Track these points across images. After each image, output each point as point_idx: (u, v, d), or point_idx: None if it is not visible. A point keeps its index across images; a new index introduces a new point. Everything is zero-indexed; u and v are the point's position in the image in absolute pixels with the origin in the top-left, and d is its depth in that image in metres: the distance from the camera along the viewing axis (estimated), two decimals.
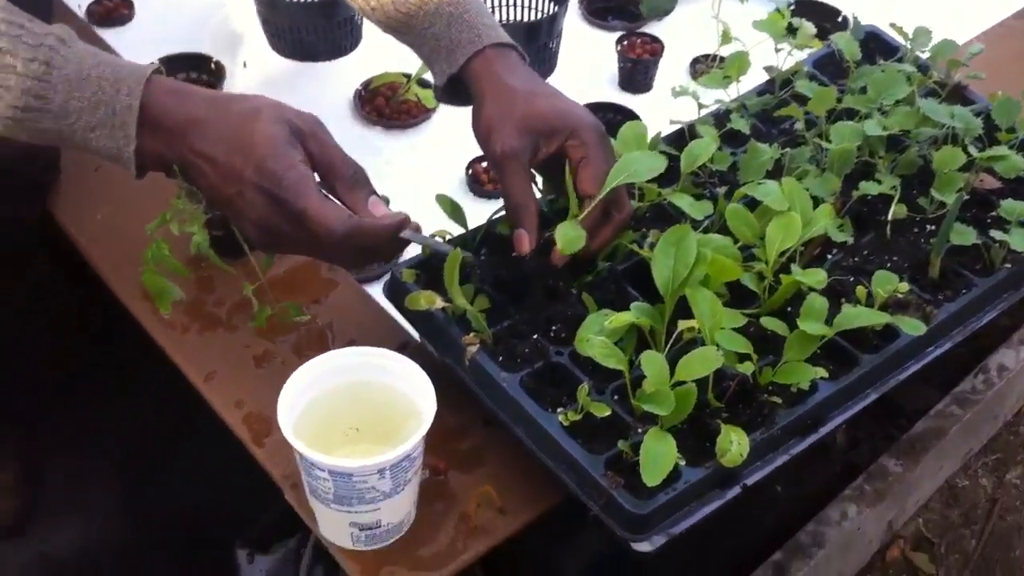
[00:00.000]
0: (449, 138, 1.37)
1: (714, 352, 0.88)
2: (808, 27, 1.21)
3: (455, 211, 1.03)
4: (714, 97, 1.19)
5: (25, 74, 0.82)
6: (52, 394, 1.45)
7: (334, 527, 0.91)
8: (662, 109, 1.43)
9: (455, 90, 1.04)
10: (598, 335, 0.91)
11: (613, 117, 1.43)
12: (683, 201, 1.04)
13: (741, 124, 1.13)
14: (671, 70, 1.49)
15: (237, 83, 1.44)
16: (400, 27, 1.06)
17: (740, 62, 1.17)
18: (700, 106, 1.16)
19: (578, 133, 0.97)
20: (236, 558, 1.15)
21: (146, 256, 1.02)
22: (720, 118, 1.17)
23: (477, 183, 1.31)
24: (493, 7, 1.51)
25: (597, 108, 1.43)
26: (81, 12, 1.52)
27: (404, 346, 1.06)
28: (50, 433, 1.43)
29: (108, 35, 1.49)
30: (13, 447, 1.39)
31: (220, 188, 0.85)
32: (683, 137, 1.16)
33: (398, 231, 0.89)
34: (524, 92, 0.99)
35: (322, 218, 0.84)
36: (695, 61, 1.50)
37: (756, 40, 1.43)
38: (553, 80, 1.48)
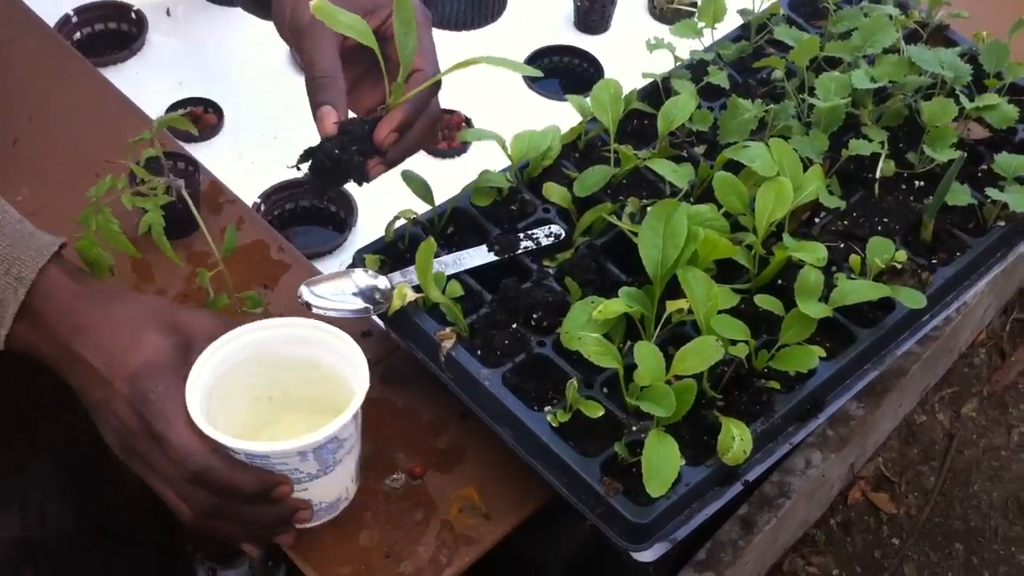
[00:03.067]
0: None
1: (713, 343, 0.82)
2: None
3: (424, 190, 0.95)
4: (688, 48, 1.11)
5: None
6: None
7: None
8: (621, 51, 1.35)
9: None
10: (586, 326, 0.85)
11: (570, 61, 1.35)
12: (664, 167, 0.97)
13: (720, 78, 1.06)
14: (628, 7, 1.40)
15: (161, 33, 1.32)
16: None
17: (715, 8, 1.09)
18: (676, 60, 1.08)
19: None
20: (196, 573, 1.08)
21: (86, 220, 0.89)
22: (695, 69, 1.09)
23: None
24: None
25: (553, 51, 1.34)
26: None
27: (367, 334, 0.99)
28: None
29: None
30: None
31: (88, 391, 0.79)
32: (657, 92, 1.08)
33: (263, 491, 0.78)
34: None
35: (181, 446, 0.76)
36: None
37: None
38: (504, 20, 1.39)
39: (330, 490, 0.83)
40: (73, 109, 1.16)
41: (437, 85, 0.88)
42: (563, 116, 1.21)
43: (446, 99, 1.25)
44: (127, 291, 0.84)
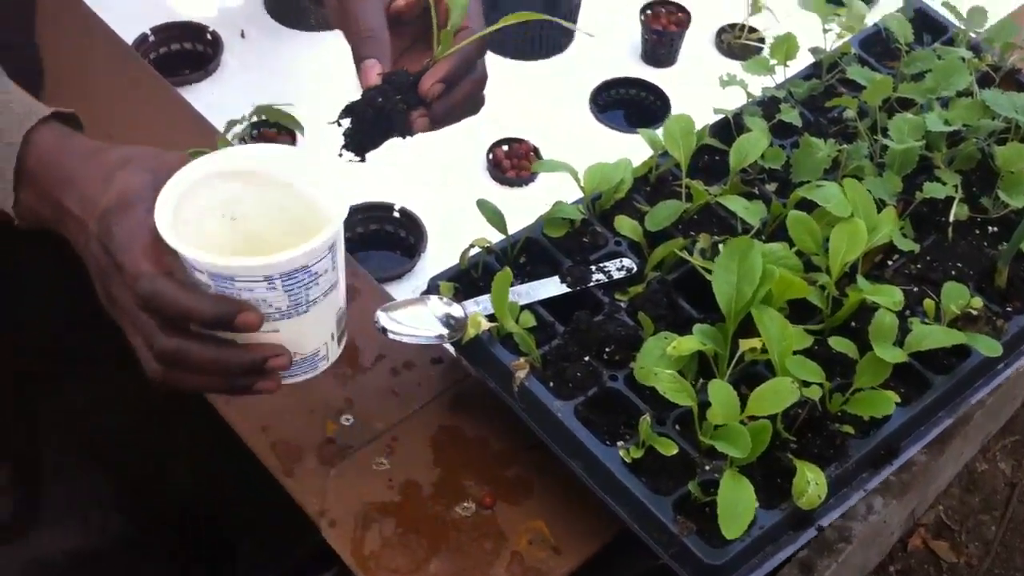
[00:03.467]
0: (468, 120, 1.28)
1: (789, 384, 0.82)
2: (859, 6, 1.13)
3: (498, 219, 0.96)
4: (759, 84, 1.11)
5: None
6: (44, 384, 1.37)
7: None
8: (688, 84, 1.36)
9: None
10: (659, 362, 0.85)
11: (636, 93, 1.35)
12: (736, 204, 0.97)
13: (792, 116, 1.06)
14: (695, 40, 1.41)
15: (235, 54, 1.34)
16: None
17: (787, 46, 1.09)
18: (749, 96, 1.08)
19: None
20: None
21: None
22: (767, 106, 1.10)
23: (498, 169, 1.23)
24: None
25: (620, 84, 1.35)
26: None
27: (438, 361, 0.99)
28: (44, 427, 1.35)
29: (93, 2, 1.37)
30: (5, 442, 1.31)
31: (75, 243, 0.78)
32: (728, 128, 1.08)
33: (223, 315, 0.71)
34: None
35: (133, 268, 0.72)
36: (721, 31, 1.42)
37: (787, 9, 1.36)
38: (571, 51, 1.39)
39: (305, 339, 0.76)
40: (150, 127, 1.19)
41: (484, 46, 0.87)
42: (628, 147, 1.22)
43: (515, 127, 1.27)
44: (113, 144, 0.81)
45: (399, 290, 1.11)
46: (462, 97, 0.87)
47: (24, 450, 1.32)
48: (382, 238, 1.19)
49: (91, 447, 1.35)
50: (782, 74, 1.13)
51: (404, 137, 0.85)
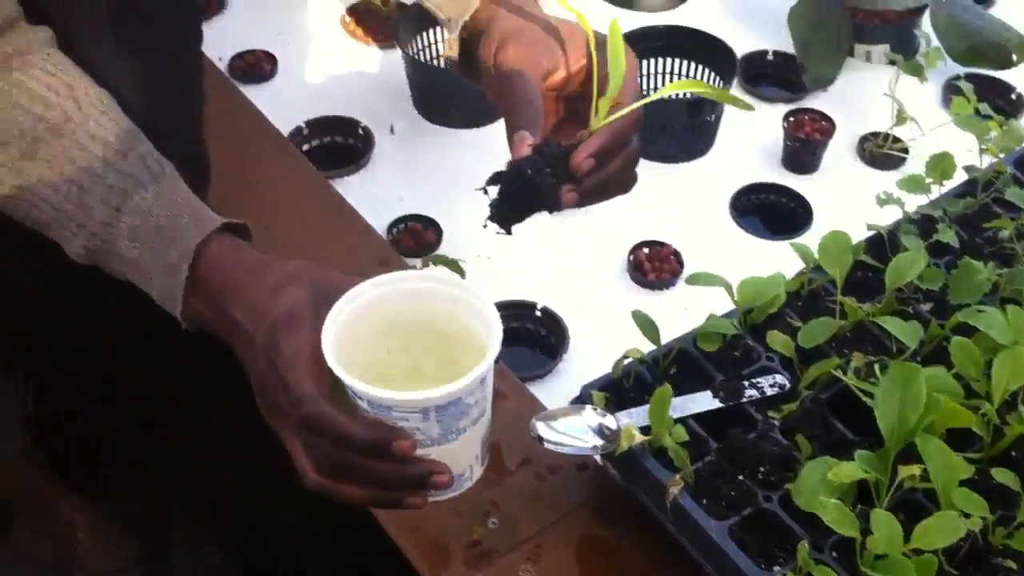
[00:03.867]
0: (610, 221, 1.30)
1: (956, 519, 0.80)
2: (1018, 127, 1.12)
3: (650, 329, 0.96)
4: (915, 203, 1.11)
5: (97, 220, 0.82)
6: (175, 457, 1.40)
7: None
8: (829, 191, 1.36)
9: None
10: (819, 487, 0.84)
11: (776, 199, 1.36)
12: (895, 326, 0.96)
13: (949, 236, 1.05)
14: (836, 147, 1.41)
15: (384, 149, 1.38)
16: None
17: (943, 165, 1.09)
18: (906, 216, 1.08)
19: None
20: None
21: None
22: (922, 224, 1.09)
23: (639, 271, 1.24)
24: (656, 85, 1.45)
25: (760, 189, 1.35)
26: (223, 66, 1.47)
27: (583, 467, 1.00)
28: (173, 506, 1.38)
29: (249, 91, 1.43)
30: (134, 520, 1.35)
31: (241, 353, 0.81)
32: (881, 244, 1.07)
33: (378, 441, 0.73)
34: (543, 15, 0.89)
35: (297, 389, 0.74)
36: (863, 139, 1.41)
37: (931, 120, 1.36)
38: (711, 156, 1.41)
39: (452, 462, 0.78)
40: (305, 220, 1.23)
41: (639, 120, 0.86)
42: (768, 254, 1.23)
43: (656, 230, 1.29)
44: (280, 259, 0.83)
45: (540, 390, 1.12)
46: (614, 173, 0.86)
47: (151, 522, 1.36)
48: (523, 336, 1.20)
49: (220, 517, 1.38)
50: (936, 190, 1.12)
51: (551, 212, 0.83)
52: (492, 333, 0.76)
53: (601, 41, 0.85)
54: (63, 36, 0.87)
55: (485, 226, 0.84)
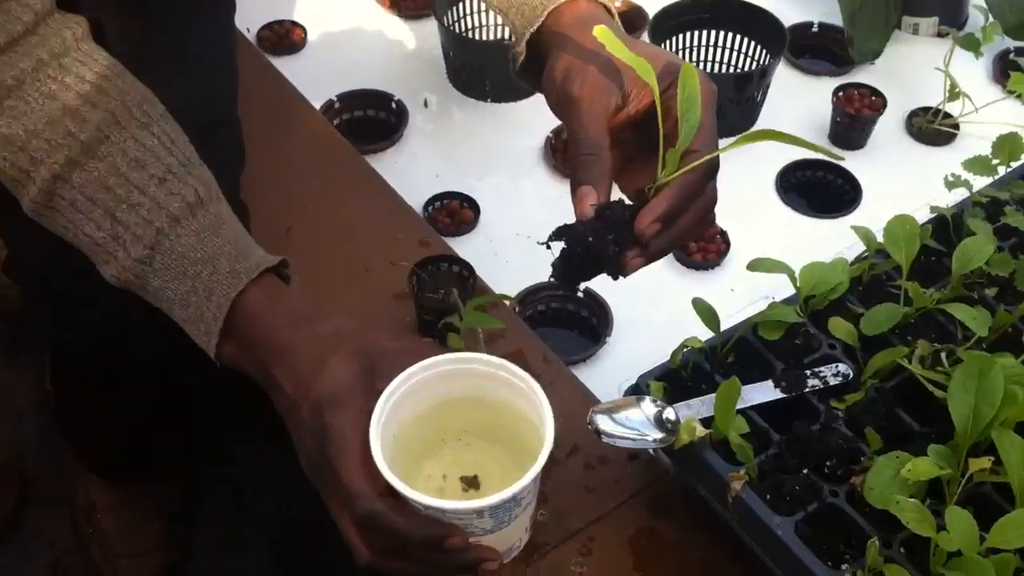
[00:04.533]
0: None
1: None
2: None
3: (710, 318, 0.93)
4: (981, 184, 1.06)
5: (129, 255, 0.77)
6: (206, 448, 1.37)
7: None
8: (877, 168, 1.32)
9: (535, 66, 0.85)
10: (891, 484, 0.80)
11: (824, 176, 1.31)
12: (963, 313, 0.92)
13: (1018, 220, 1.01)
14: (884, 122, 1.36)
15: (418, 124, 1.34)
16: None
17: (1012, 146, 1.04)
18: (974, 199, 1.03)
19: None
20: None
21: None
22: (988, 207, 1.05)
23: (684, 251, 1.20)
24: (702, 59, 1.40)
25: (806, 166, 1.31)
26: (251, 37, 1.43)
27: (634, 457, 0.96)
28: (200, 492, 1.35)
29: (280, 63, 1.39)
30: (159, 502, 1.31)
31: (284, 414, 0.78)
32: (945, 226, 1.03)
33: (433, 539, 0.73)
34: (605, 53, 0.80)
35: (351, 487, 0.73)
36: (911, 115, 1.37)
37: (981, 96, 1.32)
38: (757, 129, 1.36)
39: (502, 543, 0.78)
40: (342, 198, 1.19)
41: (715, 168, 0.78)
42: (815, 232, 1.19)
43: None
44: (322, 314, 0.80)
45: (584, 373, 1.08)
46: (684, 229, 0.78)
47: (178, 511, 1.33)
48: (563, 317, 1.17)
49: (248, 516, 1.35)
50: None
51: (615, 279, 0.78)
52: (545, 425, 0.74)
53: (671, 73, 0.78)
54: (95, 24, 0.81)
55: (551, 280, 0.78)
